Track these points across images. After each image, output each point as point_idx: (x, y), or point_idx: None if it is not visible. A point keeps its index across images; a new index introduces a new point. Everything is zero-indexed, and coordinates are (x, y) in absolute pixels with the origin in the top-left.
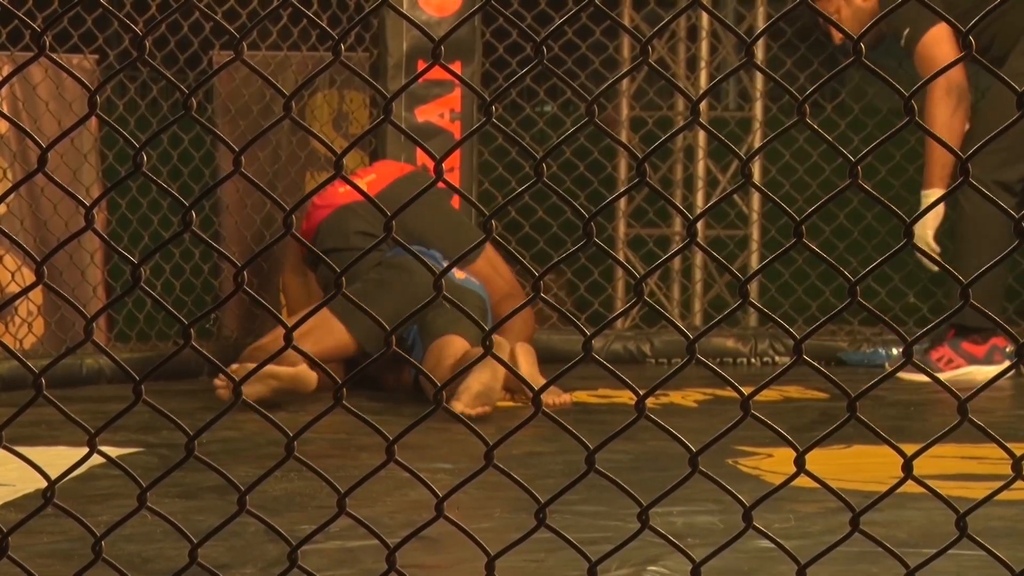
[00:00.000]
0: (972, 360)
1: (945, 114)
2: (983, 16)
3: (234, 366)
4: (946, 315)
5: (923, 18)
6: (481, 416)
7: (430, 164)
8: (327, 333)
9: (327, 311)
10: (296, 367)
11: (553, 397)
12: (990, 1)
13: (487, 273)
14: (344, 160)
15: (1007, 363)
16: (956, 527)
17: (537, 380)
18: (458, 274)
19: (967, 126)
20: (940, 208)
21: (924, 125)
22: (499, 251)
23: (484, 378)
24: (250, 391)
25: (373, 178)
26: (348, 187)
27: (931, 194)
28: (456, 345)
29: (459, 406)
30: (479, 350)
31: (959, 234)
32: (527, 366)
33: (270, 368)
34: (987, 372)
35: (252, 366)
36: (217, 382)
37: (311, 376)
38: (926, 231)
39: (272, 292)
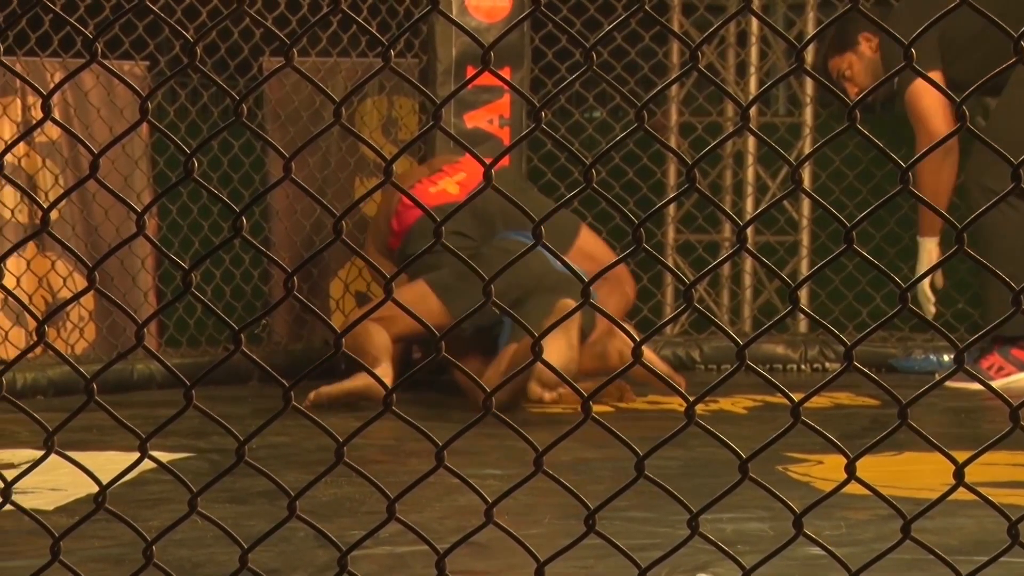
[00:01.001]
0: (1023, 366)
1: (931, 167)
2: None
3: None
4: (993, 324)
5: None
6: (558, 400)
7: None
8: (425, 310)
9: (425, 287)
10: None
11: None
12: (988, 32)
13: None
14: (393, 166)
15: None
16: (1008, 535)
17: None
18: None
19: (954, 178)
20: (934, 255)
21: (916, 184)
22: (595, 234)
23: (559, 357)
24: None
25: (463, 176)
26: (439, 187)
27: (925, 242)
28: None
29: (537, 390)
30: (565, 303)
31: (983, 245)
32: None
33: (340, 387)
34: None
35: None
36: (311, 397)
37: (377, 388)
38: (923, 281)
39: (321, 297)
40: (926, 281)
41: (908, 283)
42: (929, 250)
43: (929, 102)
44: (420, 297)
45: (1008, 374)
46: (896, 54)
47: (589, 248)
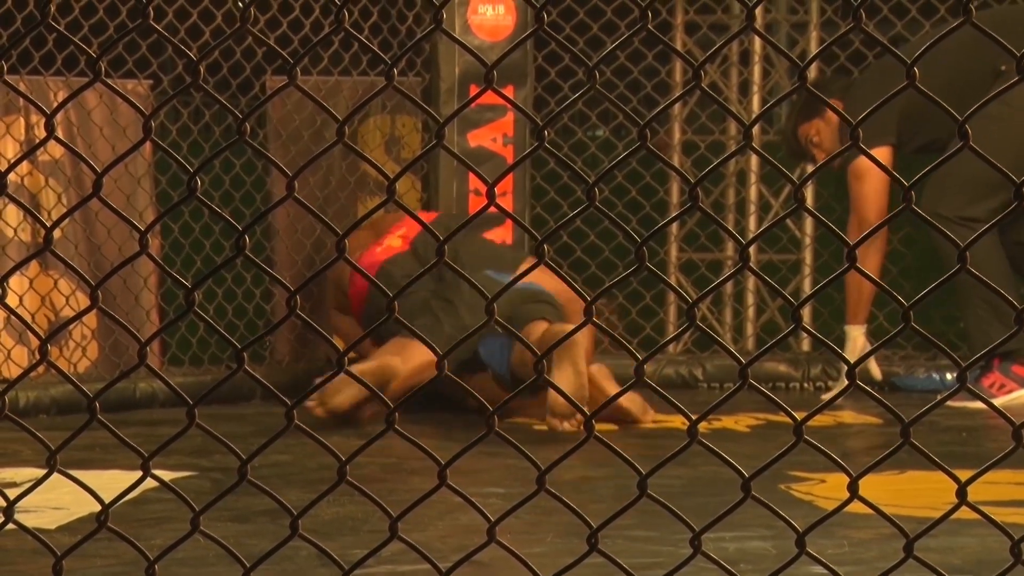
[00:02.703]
0: (1023, 383)
1: (857, 256)
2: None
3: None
4: (996, 343)
5: (863, 138)
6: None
7: (483, 189)
8: (415, 351)
9: (402, 339)
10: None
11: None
12: (949, 96)
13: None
14: (396, 186)
15: None
16: (1011, 553)
17: (634, 398)
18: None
19: (881, 263)
20: (860, 343)
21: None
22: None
23: (569, 386)
24: (342, 399)
25: (405, 231)
26: (385, 245)
27: (850, 331)
28: (537, 329)
29: (555, 423)
30: (560, 327)
31: (957, 280)
32: (612, 386)
33: (357, 368)
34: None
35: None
36: (310, 403)
37: (395, 364)
38: (865, 366)
39: (324, 316)
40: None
41: (911, 302)
42: (854, 338)
43: (867, 188)
44: (402, 346)
45: (1010, 391)
46: (856, 110)
47: (535, 278)
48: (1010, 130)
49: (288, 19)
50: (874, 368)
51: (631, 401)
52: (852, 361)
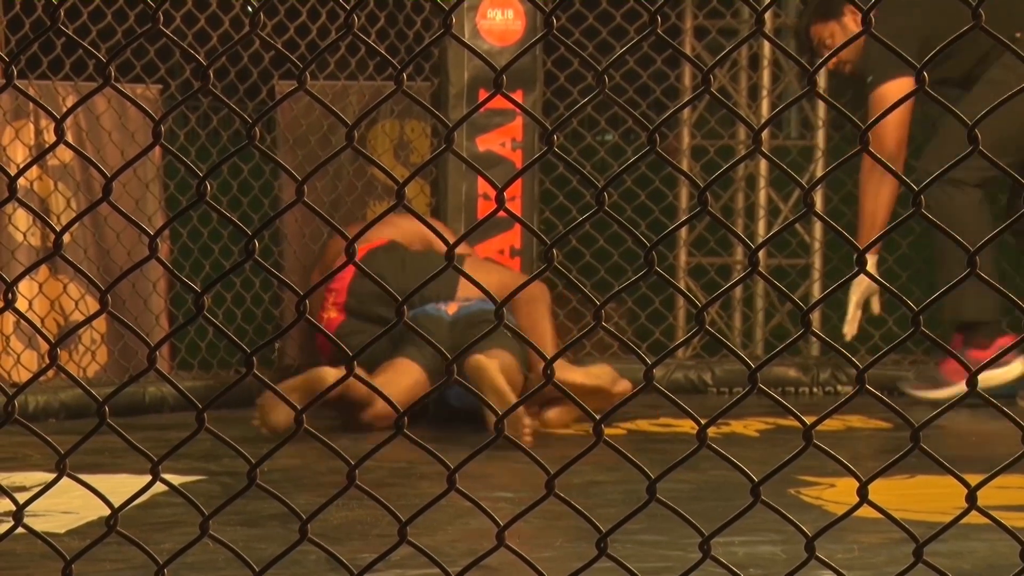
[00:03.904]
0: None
1: (871, 185)
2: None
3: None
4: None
5: (885, 68)
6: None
7: (492, 193)
8: (400, 373)
9: (389, 365)
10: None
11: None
12: (971, 42)
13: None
14: (404, 190)
15: (1017, 362)
16: (1021, 558)
17: (592, 375)
18: (450, 309)
19: (896, 192)
20: (867, 281)
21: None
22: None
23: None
24: (280, 417)
25: (335, 297)
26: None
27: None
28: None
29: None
30: (475, 360)
31: (935, 239)
32: (581, 377)
33: (285, 385)
34: (998, 375)
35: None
36: (255, 422)
37: (325, 373)
38: (851, 296)
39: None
40: (853, 303)
41: (920, 306)
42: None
43: (888, 118)
44: (390, 366)
45: (959, 381)
46: (882, 36)
47: (489, 269)
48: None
49: (295, 24)
50: (875, 302)
51: (594, 377)
52: (858, 297)
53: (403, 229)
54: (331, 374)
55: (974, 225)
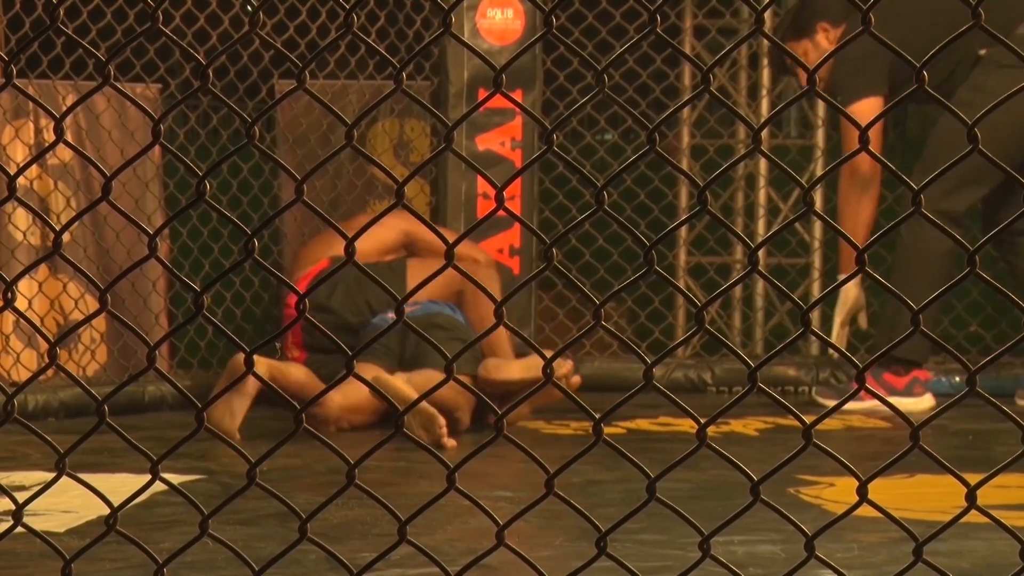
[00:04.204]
0: (892, 391)
1: (849, 203)
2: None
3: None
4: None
5: (854, 88)
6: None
7: (491, 192)
8: (352, 389)
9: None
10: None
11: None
12: (941, 60)
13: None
14: (404, 189)
15: (927, 395)
16: (1020, 557)
17: (529, 366)
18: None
19: (874, 213)
20: (852, 293)
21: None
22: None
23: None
24: (229, 423)
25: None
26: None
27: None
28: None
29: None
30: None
31: (897, 264)
32: (519, 371)
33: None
34: (904, 404)
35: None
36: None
37: (240, 357)
38: (835, 316)
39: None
40: (838, 323)
41: (920, 305)
42: (846, 288)
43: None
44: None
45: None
46: (852, 56)
47: (432, 267)
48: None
49: (295, 23)
50: (862, 318)
51: (532, 368)
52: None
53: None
54: (241, 359)
55: (936, 266)
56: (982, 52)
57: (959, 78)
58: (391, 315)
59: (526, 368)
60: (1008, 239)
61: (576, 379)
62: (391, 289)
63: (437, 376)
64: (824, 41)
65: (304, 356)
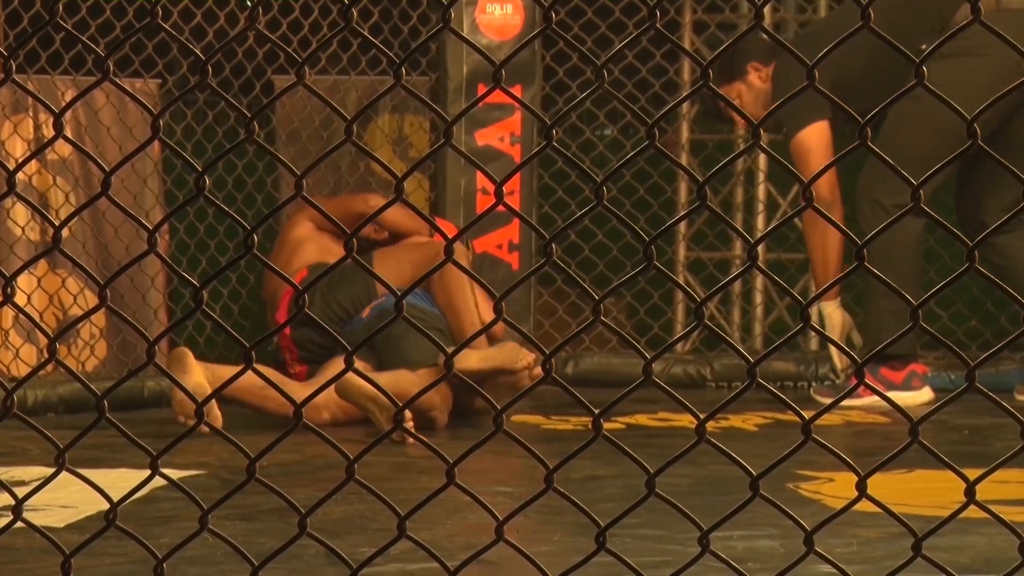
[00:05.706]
0: (890, 387)
1: (816, 236)
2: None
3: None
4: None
5: (798, 115)
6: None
7: (490, 187)
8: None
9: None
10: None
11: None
12: (878, 66)
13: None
14: (403, 184)
15: (926, 389)
16: (1019, 552)
17: (488, 357)
18: (364, 313)
19: (841, 238)
20: (837, 317)
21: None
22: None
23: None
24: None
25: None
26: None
27: (826, 307)
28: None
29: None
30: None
31: (868, 261)
32: (493, 357)
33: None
34: (903, 398)
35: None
36: (180, 418)
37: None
38: (831, 348)
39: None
40: (836, 352)
41: (919, 301)
42: (830, 315)
43: (813, 164)
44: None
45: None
46: (787, 86)
47: (400, 257)
48: (928, 111)
49: (288, 19)
50: (855, 336)
51: (490, 360)
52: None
53: (321, 245)
54: (180, 351)
55: (909, 256)
56: (923, 47)
57: (909, 72)
58: (364, 314)
59: (483, 359)
60: (988, 240)
61: (538, 371)
62: (362, 286)
63: (405, 375)
64: (757, 80)
65: (304, 369)
